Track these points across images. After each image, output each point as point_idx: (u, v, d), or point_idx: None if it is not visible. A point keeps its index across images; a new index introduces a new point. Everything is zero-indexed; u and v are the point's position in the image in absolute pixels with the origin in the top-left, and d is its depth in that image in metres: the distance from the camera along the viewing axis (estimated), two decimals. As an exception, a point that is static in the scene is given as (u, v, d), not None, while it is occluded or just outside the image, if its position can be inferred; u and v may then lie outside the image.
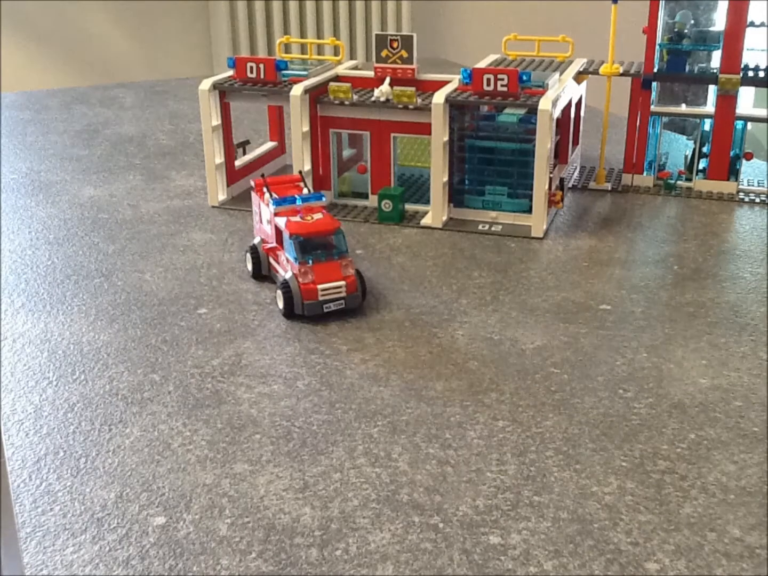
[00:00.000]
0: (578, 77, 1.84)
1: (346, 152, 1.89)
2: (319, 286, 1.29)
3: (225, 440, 1.01)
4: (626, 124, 1.85)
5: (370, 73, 1.78)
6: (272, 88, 1.71)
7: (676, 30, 1.78)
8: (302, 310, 1.30)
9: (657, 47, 1.77)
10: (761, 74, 1.74)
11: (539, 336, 1.25)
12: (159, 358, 1.20)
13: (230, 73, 1.77)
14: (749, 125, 1.80)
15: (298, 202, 1.36)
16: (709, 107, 1.81)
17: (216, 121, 1.74)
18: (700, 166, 1.84)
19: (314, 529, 0.87)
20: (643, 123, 1.82)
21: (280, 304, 1.32)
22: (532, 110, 1.56)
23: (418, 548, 0.84)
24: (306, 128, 1.68)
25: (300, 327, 1.28)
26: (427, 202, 1.69)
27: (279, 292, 1.32)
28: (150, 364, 1.19)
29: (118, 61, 3.69)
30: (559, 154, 1.81)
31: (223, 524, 0.88)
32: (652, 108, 1.81)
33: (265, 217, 1.43)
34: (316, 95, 1.71)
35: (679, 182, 1.85)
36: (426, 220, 1.67)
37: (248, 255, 1.45)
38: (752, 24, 1.71)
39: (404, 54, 1.75)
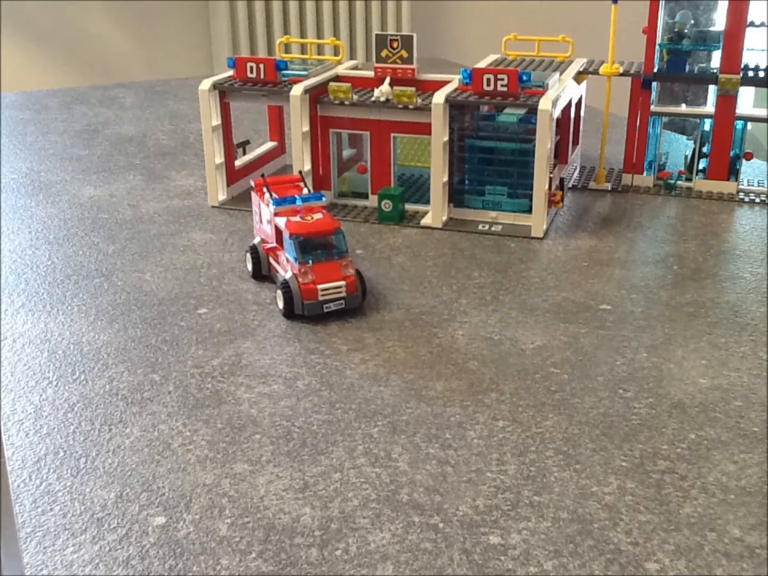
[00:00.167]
0: (578, 77, 1.84)
1: (346, 152, 1.89)
2: (319, 286, 1.29)
3: (225, 440, 1.02)
4: (626, 124, 1.85)
5: (370, 73, 1.78)
6: (272, 88, 1.71)
7: (676, 30, 1.78)
8: (302, 310, 1.30)
9: (657, 47, 1.77)
10: (761, 74, 1.74)
11: (539, 336, 1.25)
12: (159, 358, 1.20)
13: (230, 73, 1.77)
14: (749, 125, 1.80)
15: (298, 202, 1.36)
16: (709, 107, 1.81)
17: (216, 121, 1.74)
18: (700, 166, 1.84)
19: (314, 529, 0.87)
20: (643, 123, 1.82)
21: (280, 304, 1.32)
22: (532, 110, 1.56)
23: (418, 548, 0.84)
24: (306, 128, 1.68)
25: (300, 327, 1.28)
26: (427, 202, 1.69)
27: (279, 292, 1.32)
28: (150, 364, 1.19)
29: (118, 61, 3.69)
30: (559, 154, 1.81)
31: (223, 524, 0.88)
32: (652, 108, 1.81)
33: (265, 217, 1.43)
34: (316, 95, 1.71)
35: (679, 182, 1.85)
36: (426, 220, 1.67)
37: (248, 255, 1.45)
38: (752, 24, 1.71)
39: (404, 54, 1.75)
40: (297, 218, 1.33)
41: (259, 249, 1.44)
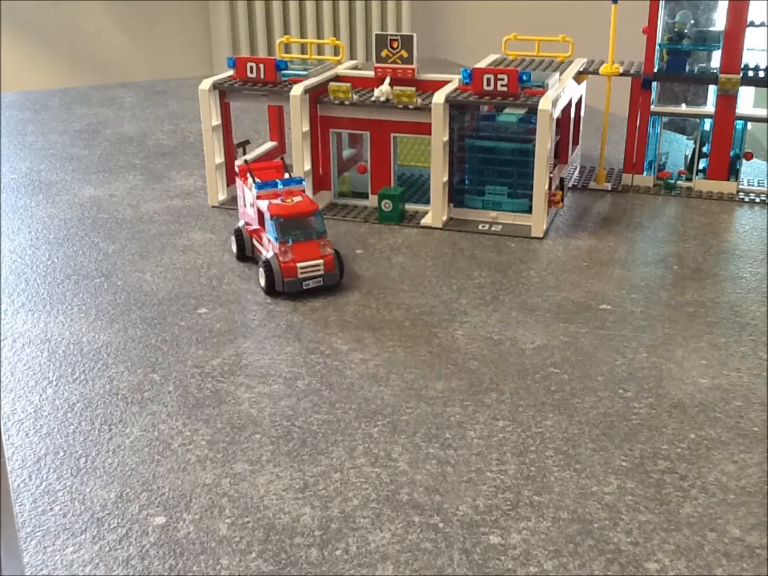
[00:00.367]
0: (578, 77, 1.84)
1: (346, 152, 1.89)
2: (299, 264, 1.37)
3: (225, 440, 1.01)
4: (626, 124, 1.85)
5: (370, 73, 1.78)
6: (272, 88, 1.71)
7: (676, 30, 1.78)
8: (282, 287, 1.37)
9: (657, 47, 1.77)
10: (761, 74, 1.74)
11: (539, 336, 1.25)
12: (159, 358, 1.20)
13: (230, 73, 1.77)
14: (749, 125, 1.80)
15: (280, 186, 1.44)
16: (709, 107, 1.81)
17: (216, 121, 1.74)
18: (700, 166, 1.84)
19: (314, 529, 0.87)
20: (643, 123, 1.82)
21: (262, 282, 1.39)
22: (532, 110, 1.56)
23: (418, 548, 0.84)
24: (306, 128, 1.68)
25: (300, 327, 1.28)
26: (427, 202, 1.69)
27: (261, 270, 1.39)
28: (150, 364, 1.19)
29: (118, 61, 3.69)
30: (559, 154, 1.81)
31: (223, 524, 0.88)
32: (652, 108, 1.81)
33: (249, 200, 1.49)
34: (316, 95, 1.71)
35: (679, 182, 1.85)
36: (426, 220, 1.67)
37: (233, 237, 1.52)
38: (752, 24, 1.71)
39: (404, 54, 1.75)
40: (278, 201, 1.41)
41: (243, 232, 1.51)
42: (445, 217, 1.67)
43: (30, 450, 1.00)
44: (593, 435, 1.02)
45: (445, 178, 1.65)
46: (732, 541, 0.85)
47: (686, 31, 1.78)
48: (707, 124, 1.81)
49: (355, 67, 1.90)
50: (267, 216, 1.40)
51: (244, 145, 1.91)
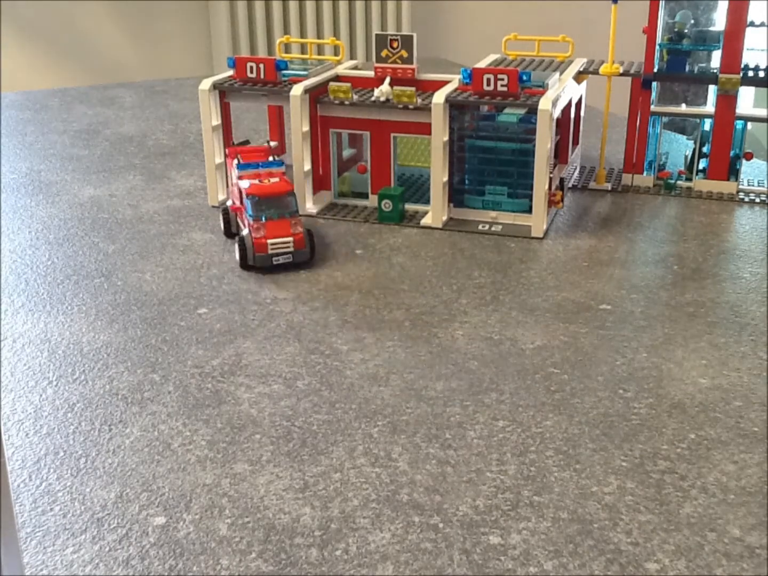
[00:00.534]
0: (578, 77, 1.84)
1: (346, 152, 1.89)
2: (269, 241, 1.46)
3: (225, 440, 1.01)
4: (626, 124, 1.85)
5: (370, 73, 1.78)
6: (272, 88, 1.71)
7: (676, 30, 1.78)
8: (254, 262, 1.46)
9: (657, 47, 1.77)
10: (761, 74, 1.74)
11: (539, 336, 1.25)
12: (159, 358, 1.20)
13: (230, 73, 1.77)
14: (749, 125, 1.80)
15: (260, 167, 1.54)
16: (709, 107, 1.81)
17: (216, 121, 1.74)
18: (700, 166, 1.84)
19: (314, 529, 0.87)
20: (643, 123, 1.82)
21: (237, 257, 1.49)
22: (532, 110, 1.56)
23: (418, 548, 0.84)
24: (306, 128, 1.68)
25: (300, 327, 1.28)
26: (427, 202, 1.69)
27: (236, 245, 1.49)
28: (150, 364, 1.19)
29: (118, 61, 3.69)
30: (559, 154, 1.81)
31: (223, 524, 0.88)
32: (652, 108, 1.81)
33: (233, 180, 1.60)
34: (316, 95, 1.71)
35: (679, 182, 1.85)
36: (426, 220, 1.67)
37: (221, 215, 1.62)
38: (752, 24, 1.71)
39: (404, 54, 1.75)
40: (256, 181, 1.50)
41: (229, 210, 1.61)
42: (445, 217, 1.67)
43: (30, 450, 1.00)
44: (593, 435, 1.02)
45: (445, 178, 1.65)
46: (732, 541, 0.85)
47: (686, 31, 1.78)
48: (707, 124, 1.81)
49: (355, 67, 1.90)
50: (244, 194, 1.49)
51: (244, 145, 1.91)
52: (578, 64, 1.85)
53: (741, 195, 1.81)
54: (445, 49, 3.93)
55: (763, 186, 1.84)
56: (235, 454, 0.99)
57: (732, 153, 1.79)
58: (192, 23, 3.81)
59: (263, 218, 1.47)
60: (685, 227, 1.67)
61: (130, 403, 1.09)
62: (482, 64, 1.81)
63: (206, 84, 1.72)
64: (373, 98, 1.68)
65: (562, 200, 1.69)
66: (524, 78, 1.58)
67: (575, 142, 1.94)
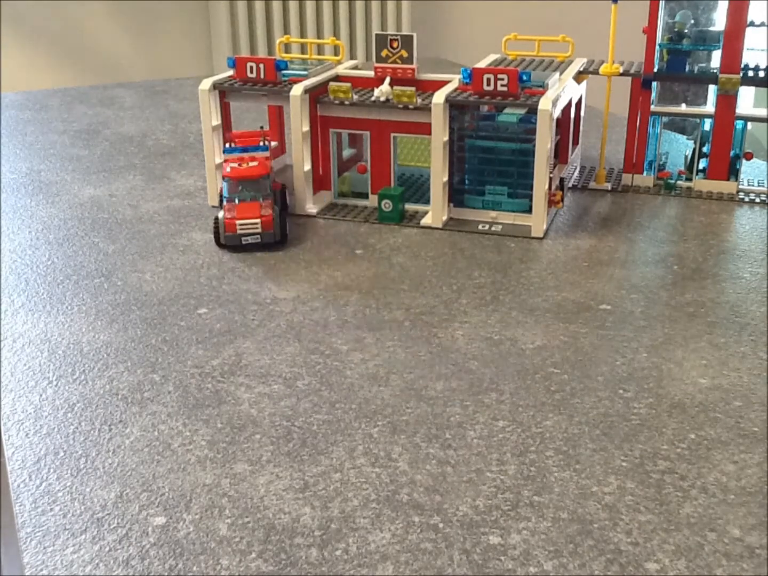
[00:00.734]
0: (578, 77, 1.84)
1: (346, 152, 1.89)
2: (237, 221, 1.53)
3: (225, 440, 1.01)
4: (626, 124, 1.85)
5: (370, 73, 1.78)
6: (272, 88, 1.71)
7: (676, 30, 1.78)
8: (224, 241, 1.54)
9: (657, 47, 1.77)
10: (761, 74, 1.74)
11: (539, 336, 1.25)
12: (159, 358, 1.20)
13: (230, 73, 1.77)
14: (749, 125, 1.80)
15: (243, 152, 1.62)
16: (709, 107, 1.81)
17: (216, 121, 1.74)
18: (700, 166, 1.84)
19: (314, 529, 0.87)
20: (643, 123, 1.82)
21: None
22: (532, 110, 1.56)
23: (418, 548, 0.84)
24: (306, 128, 1.68)
25: (300, 327, 1.28)
26: (427, 202, 1.68)
27: (213, 226, 1.57)
28: (150, 364, 1.19)
29: (118, 61, 3.69)
30: (559, 154, 1.81)
31: (223, 524, 0.88)
32: (652, 108, 1.81)
33: None
34: (316, 95, 1.71)
35: (679, 182, 1.85)
36: (426, 220, 1.67)
37: (218, 197, 1.71)
38: (752, 24, 1.71)
39: (404, 54, 1.75)
40: (236, 165, 1.57)
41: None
42: (445, 217, 1.67)
43: (30, 450, 1.00)
44: (593, 435, 1.02)
45: (445, 178, 1.65)
46: (732, 541, 0.85)
47: (686, 31, 1.78)
48: (707, 124, 1.81)
49: (355, 67, 1.90)
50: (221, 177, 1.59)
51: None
52: (578, 64, 1.85)
53: (741, 195, 1.81)
54: (445, 49, 3.93)
55: (763, 186, 1.84)
56: (235, 454, 0.99)
57: (732, 153, 1.79)
58: (192, 23, 3.81)
59: (236, 200, 1.55)
60: (685, 227, 1.67)
61: (130, 403, 1.09)
62: (482, 64, 1.81)
63: (206, 84, 1.72)
64: (373, 98, 1.68)
65: (562, 200, 1.69)
66: (524, 78, 1.58)
67: (575, 142, 1.94)
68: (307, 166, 1.71)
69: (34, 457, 0.99)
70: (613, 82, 1.82)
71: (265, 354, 1.21)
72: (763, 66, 1.74)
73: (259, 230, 1.53)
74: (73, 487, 0.94)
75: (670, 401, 1.09)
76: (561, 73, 1.75)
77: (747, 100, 1.86)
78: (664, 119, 1.84)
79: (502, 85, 1.58)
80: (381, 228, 1.67)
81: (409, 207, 1.73)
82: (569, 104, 1.78)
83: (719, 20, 1.75)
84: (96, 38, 3.65)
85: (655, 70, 1.79)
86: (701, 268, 1.48)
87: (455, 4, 4.08)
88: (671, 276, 1.45)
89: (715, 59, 1.77)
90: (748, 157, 1.81)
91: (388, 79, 1.73)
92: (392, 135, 1.69)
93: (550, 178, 1.62)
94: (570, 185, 1.88)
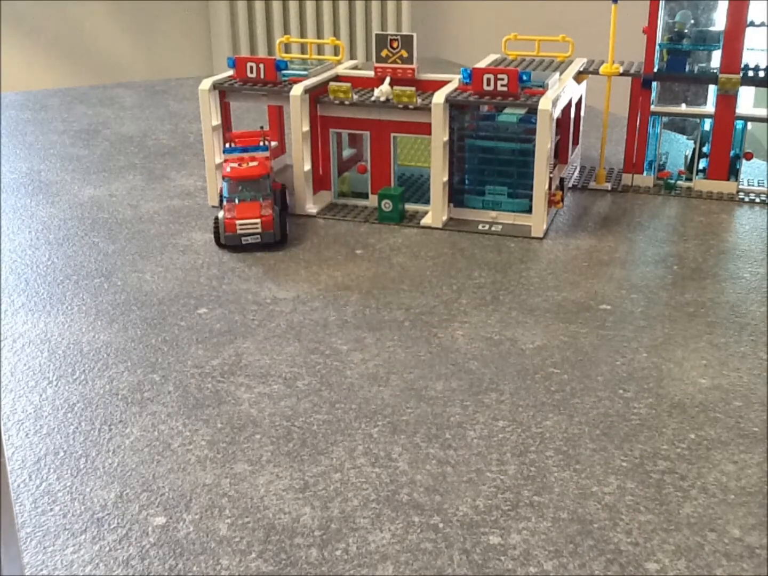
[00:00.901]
0: (578, 77, 1.84)
1: (346, 152, 1.89)
2: (237, 221, 1.53)
3: (225, 440, 1.01)
4: (626, 124, 1.85)
5: (370, 73, 1.78)
6: (272, 88, 1.71)
7: (676, 30, 1.78)
8: (224, 241, 1.54)
9: (657, 47, 1.77)
10: (761, 74, 1.74)
11: (539, 336, 1.25)
12: (159, 358, 1.20)
13: (230, 73, 1.77)
14: (749, 125, 1.80)
15: (243, 152, 1.62)
16: (709, 107, 1.81)
17: (216, 121, 1.74)
18: (700, 166, 1.84)
19: (314, 529, 0.87)
20: (643, 123, 1.82)
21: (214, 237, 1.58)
22: (532, 110, 1.56)
23: (418, 548, 0.84)
24: (306, 128, 1.68)
25: (300, 327, 1.28)
26: (427, 202, 1.68)
27: (213, 226, 1.57)
28: (150, 364, 1.19)
29: (118, 61, 3.69)
30: (559, 154, 1.81)
31: (223, 524, 0.88)
32: (652, 108, 1.81)
33: None
34: (316, 95, 1.71)
35: (679, 182, 1.85)
36: (426, 220, 1.67)
37: (218, 197, 1.71)
38: (752, 24, 1.71)
39: (404, 54, 1.75)
40: (236, 165, 1.57)
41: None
42: (445, 217, 1.67)
43: (30, 450, 1.00)
44: (593, 435, 1.02)
45: (445, 178, 1.65)
46: (732, 541, 0.85)
47: (686, 31, 1.78)
48: (707, 124, 1.81)
49: (355, 67, 1.90)
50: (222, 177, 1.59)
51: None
52: (578, 64, 1.85)
53: (741, 195, 1.81)
54: (445, 49, 3.93)
55: (763, 186, 1.84)
56: (235, 454, 0.99)
57: (732, 153, 1.79)
58: (192, 23, 3.81)
59: (236, 200, 1.55)
60: (685, 227, 1.67)
61: (130, 403, 1.09)
62: (482, 64, 1.81)
63: (206, 84, 1.72)
64: (373, 98, 1.68)
65: (562, 200, 1.69)
66: (524, 78, 1.58)
67: (575, 142, 1.94)
68: (307, 166, 1.71)
69: (34, 457, 0.99)
70: (613, 82, 1.82)
71: (265, 354, 1.21)
72: (763, 66, 1.74)
73: (259, 230, 1.53)
74: (73, 487, 0.94)
75: (670, 401, 1.09)
76: (561, 73, 1.75)
77: (747, 100, 1.86)
78: (664, 119, 1.84)
79: (502, 85, 1.58)
80: (381, 228, 1.67)
81: (409, 207, 1.73)
82: (569, 104, 1.78)
83: (719, 20, 1.75)
84: (96, 38, 3.65)
85: (655, 70, 1.79)
86: (701, 268, 1.48)
87: (455, 4, 4.08)
88: (671, 276, 1.45)
89: (715, 59, 1.77)
90: (748, 157, 1.81)
91: (388, 79, 1.73)
92: (392, 135, 1.69)
93: (550, 178, 1.62)
94: (570, 185, 1.88)
